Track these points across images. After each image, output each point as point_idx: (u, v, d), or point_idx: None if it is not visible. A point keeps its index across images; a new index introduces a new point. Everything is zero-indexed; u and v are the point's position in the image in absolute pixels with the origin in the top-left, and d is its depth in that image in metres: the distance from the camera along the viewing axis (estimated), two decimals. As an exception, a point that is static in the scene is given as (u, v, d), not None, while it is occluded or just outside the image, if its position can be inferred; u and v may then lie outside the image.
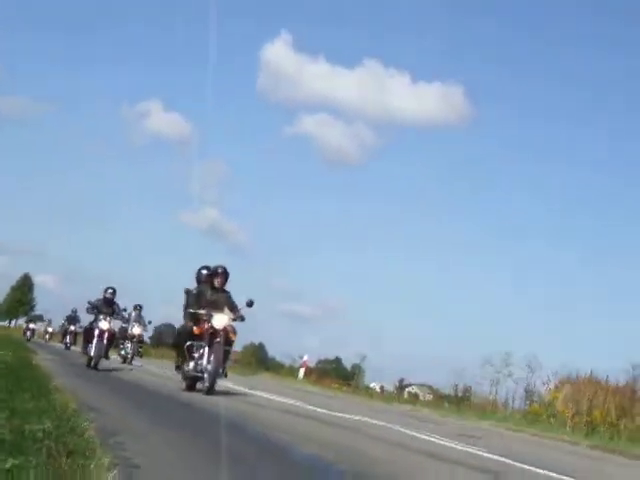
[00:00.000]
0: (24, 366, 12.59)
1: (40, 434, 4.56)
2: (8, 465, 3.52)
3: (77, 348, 38.52)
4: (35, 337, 58.22)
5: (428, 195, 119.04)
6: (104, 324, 22.78)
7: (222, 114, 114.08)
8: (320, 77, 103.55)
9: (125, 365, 28.14)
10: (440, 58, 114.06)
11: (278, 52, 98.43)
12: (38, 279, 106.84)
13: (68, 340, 43.70)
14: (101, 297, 24.35)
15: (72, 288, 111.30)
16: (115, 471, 4.37)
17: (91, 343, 22.51)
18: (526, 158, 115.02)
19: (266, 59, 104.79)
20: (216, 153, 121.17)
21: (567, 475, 8.99)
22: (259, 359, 65.24)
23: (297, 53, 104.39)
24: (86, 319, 27.51)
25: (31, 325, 59.96)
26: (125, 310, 26.82)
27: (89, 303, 24.65)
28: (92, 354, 22.22)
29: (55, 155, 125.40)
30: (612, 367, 24.36)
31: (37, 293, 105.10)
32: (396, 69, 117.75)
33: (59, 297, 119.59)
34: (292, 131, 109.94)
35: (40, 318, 63.81)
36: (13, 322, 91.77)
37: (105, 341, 22.30)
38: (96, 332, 22.41)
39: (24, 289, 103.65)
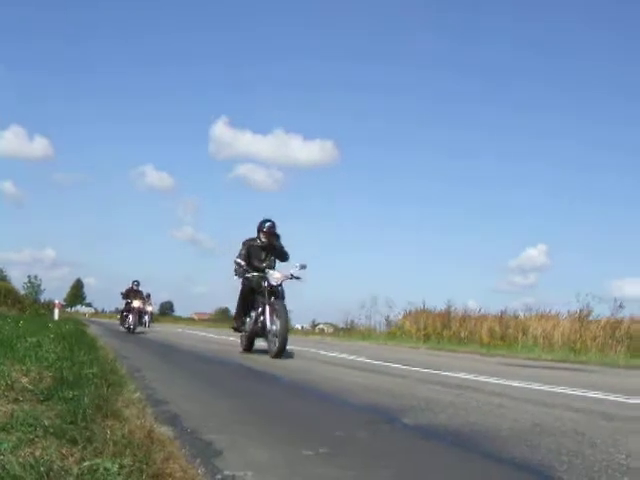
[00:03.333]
0: (80, 333, 12.36)
1: (91, 375, 4.55)
2: (70, 395, 3.52)
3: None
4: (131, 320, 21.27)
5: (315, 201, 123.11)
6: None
7: (191, 169, 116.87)
8: (247, 142, 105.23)
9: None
10: (317, 123, 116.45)
11: (220, 129, 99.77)
12: (86, 281, 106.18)
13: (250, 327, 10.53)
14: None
15: (106, 284, 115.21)
16: (138, 392, 4.44)
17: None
18: (374, 185, 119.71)
19: (214, 134, 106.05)
20: (189, 192, 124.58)
21: (413, 365, 9.30)
22: (227, 318, 64.59)
23: (232, 129, 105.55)
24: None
25: (135, 303, 21.97)
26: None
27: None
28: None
29: (92, 202, 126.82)
30: (438, 301, 25.11)
31: (86, 290, 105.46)
32: (293, 133, 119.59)
33: (99, 291, 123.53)
34: (232, 175, 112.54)
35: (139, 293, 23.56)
36: (72, 309, 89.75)
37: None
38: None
39: (78, 287, 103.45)
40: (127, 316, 21.62)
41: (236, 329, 10.95)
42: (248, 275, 10.22)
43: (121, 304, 23.98)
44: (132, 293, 22.71)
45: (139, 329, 21.97)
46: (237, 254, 10.37)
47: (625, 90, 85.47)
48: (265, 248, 10.48)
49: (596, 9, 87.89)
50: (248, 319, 10.38)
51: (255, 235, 10.55)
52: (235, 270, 10.42)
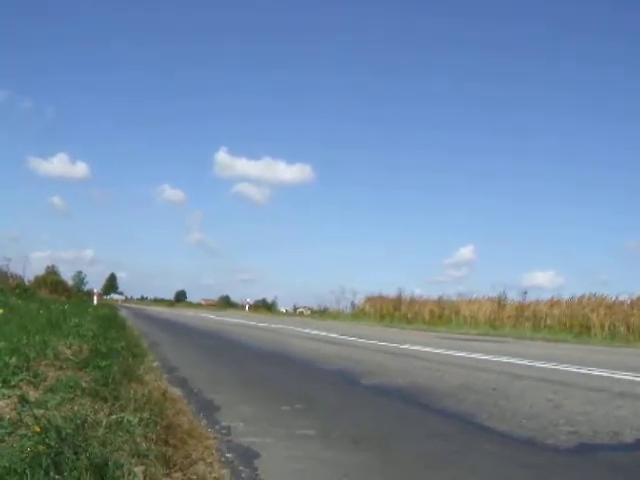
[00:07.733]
0: (113, 316, 12.15)
1: (119, 348, 4.50)
2: (103, 364, 3.50)
3: None
4: None
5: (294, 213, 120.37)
6: None
7: (200, 187, 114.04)
8: (243, 166, 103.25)
9: None
10: (296, 151, 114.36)
11: (222, 156, 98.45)
12: (118, 274, 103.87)
13: None
14: None
15: (134, 277, 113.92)
16: (156, 362, 4.39)
17: None
18: (342, 198, 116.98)
19: (217, 159, 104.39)
20: (198, 205, 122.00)
21: (371, 339, 9.28)
22: (227, 304, 63.68)
23: (231, 156, 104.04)
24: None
25: None
26: None
27: None
28: None
29: (123, 213, 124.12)
30: (391, 289, 25.09)
31: (118, 281, 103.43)
32: (279, 159, 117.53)
33: (128, 283, 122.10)
34: (233, 191, 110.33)
35: None
36: (108, 297, 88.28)
37: None
38: None
39: (112, 280, 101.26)
40: None
41: None
42: None
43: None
44: None
45: None
46: None
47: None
48: None
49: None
50: None
51: None
52: None
